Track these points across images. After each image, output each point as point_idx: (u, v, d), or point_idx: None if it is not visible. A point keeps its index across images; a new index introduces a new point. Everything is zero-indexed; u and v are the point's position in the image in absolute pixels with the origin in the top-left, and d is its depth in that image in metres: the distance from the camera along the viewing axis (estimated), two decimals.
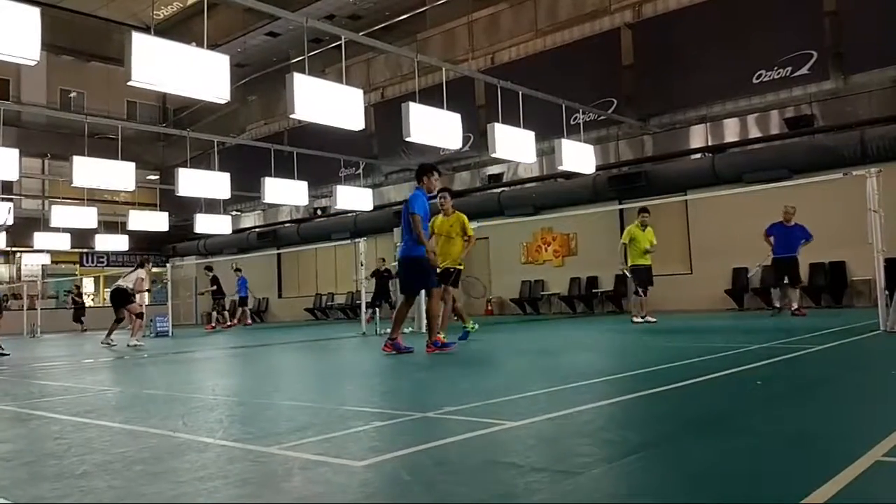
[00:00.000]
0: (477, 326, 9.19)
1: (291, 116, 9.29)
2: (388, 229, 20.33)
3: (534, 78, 14.87)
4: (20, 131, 24.02)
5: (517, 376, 5.03)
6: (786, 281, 11.15)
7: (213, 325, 18.11)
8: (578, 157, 14.14)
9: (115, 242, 22.34)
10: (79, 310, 21.69)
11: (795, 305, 10.94)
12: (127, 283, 11.77)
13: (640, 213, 11.13)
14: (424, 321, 7.30)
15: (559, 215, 15.72)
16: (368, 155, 20.81)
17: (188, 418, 3.64)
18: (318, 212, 23.24)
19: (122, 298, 11.79)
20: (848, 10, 13.53)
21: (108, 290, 12.40)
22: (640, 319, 10.69)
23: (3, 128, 13.56)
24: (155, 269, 22.94)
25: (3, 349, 10.25)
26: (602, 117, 16.25)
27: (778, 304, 11.37)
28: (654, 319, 10.72)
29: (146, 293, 12.70)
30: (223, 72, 8.10)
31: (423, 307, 7.23)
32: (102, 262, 28.01)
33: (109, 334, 11.89)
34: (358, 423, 3.24)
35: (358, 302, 14.33)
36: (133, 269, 12.21)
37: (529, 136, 12.89)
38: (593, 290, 17.02)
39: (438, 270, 7.29)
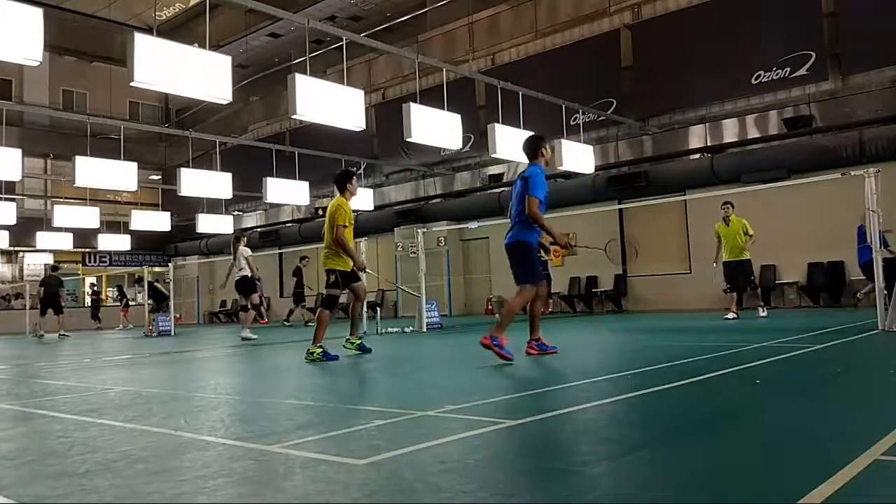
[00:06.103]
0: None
1: (293, 117, 9.31)
2: (389, 229, 20.39)
3: (534, 78, 14.89)
4: (23, 131, 24.08)
5: (518, 375, 5.04)
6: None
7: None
8: (578, 157, 14.16)
9: (118, 242, 22.41)
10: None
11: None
12: (245, 269, 11.37)
13: (722, 206, 10.76)
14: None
15: (559, 215, 15.66)
16: (369, 155, 20.84)
17: (190, 417, 3.65)
18: (320, 212, 23.25)
19: (245, 286, 11.51)
20: (846, 11, 13.56)
21: (235, 279, 11.69)
22: (729, 316, 10.56)
23: (6, 128, 13.59)
24: (157, 269, 22.94)
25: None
26: (602, 118, 16.27)
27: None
28: (731, 317, 10.52)
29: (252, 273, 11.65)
30: (225, 72, 8.13)
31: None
32: (105, 262, 28.05)
33: (245, 326, 11.48)
34: (359, 422, 3.25)
35: None
36: (232, 253, 11.48)
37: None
38: (593, 290, 17.03)
39: None
